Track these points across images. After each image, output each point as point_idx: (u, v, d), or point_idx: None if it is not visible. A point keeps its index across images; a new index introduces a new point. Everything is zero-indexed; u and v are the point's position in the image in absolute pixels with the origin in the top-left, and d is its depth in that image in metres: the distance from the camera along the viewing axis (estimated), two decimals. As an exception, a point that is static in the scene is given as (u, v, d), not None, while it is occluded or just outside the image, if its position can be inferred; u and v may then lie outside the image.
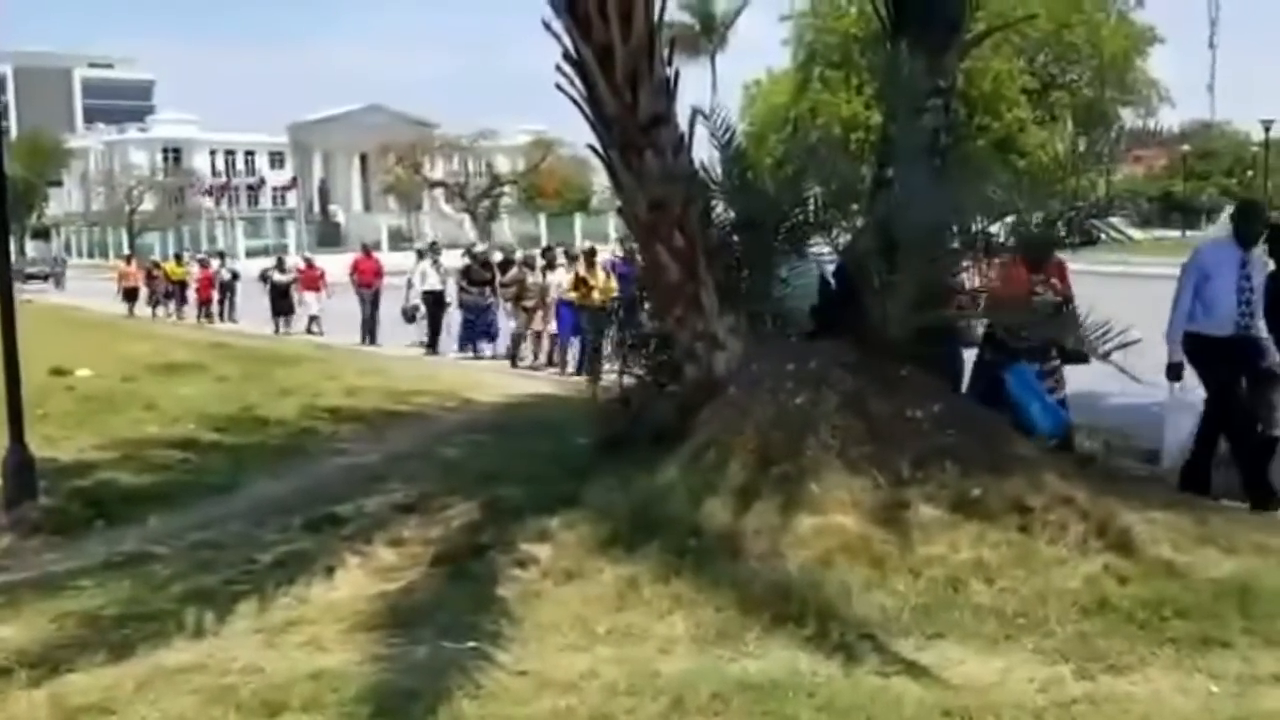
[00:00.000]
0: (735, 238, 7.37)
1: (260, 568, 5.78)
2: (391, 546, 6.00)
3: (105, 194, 76.05)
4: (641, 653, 4.50)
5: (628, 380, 7.59)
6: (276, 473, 8.62)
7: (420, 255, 19.76)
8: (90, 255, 77.61)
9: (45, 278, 51.68)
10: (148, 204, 74.24)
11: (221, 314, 27.66)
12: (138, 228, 72.80)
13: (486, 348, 17.30)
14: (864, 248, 6.88)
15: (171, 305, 30.21)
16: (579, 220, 63.02)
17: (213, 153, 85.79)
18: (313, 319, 22.75)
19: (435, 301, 18.45)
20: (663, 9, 6.68)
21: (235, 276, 28.31)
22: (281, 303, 23.50)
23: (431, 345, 18.24)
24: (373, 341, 19.88)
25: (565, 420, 9.20)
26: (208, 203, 78.74)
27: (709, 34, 61.28)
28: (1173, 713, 3.96)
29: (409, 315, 19.09)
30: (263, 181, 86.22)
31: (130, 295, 31.35)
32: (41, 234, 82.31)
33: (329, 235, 72.75)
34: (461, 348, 17.65)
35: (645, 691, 4.15)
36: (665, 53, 6.79)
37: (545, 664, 4.42)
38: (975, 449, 5.91)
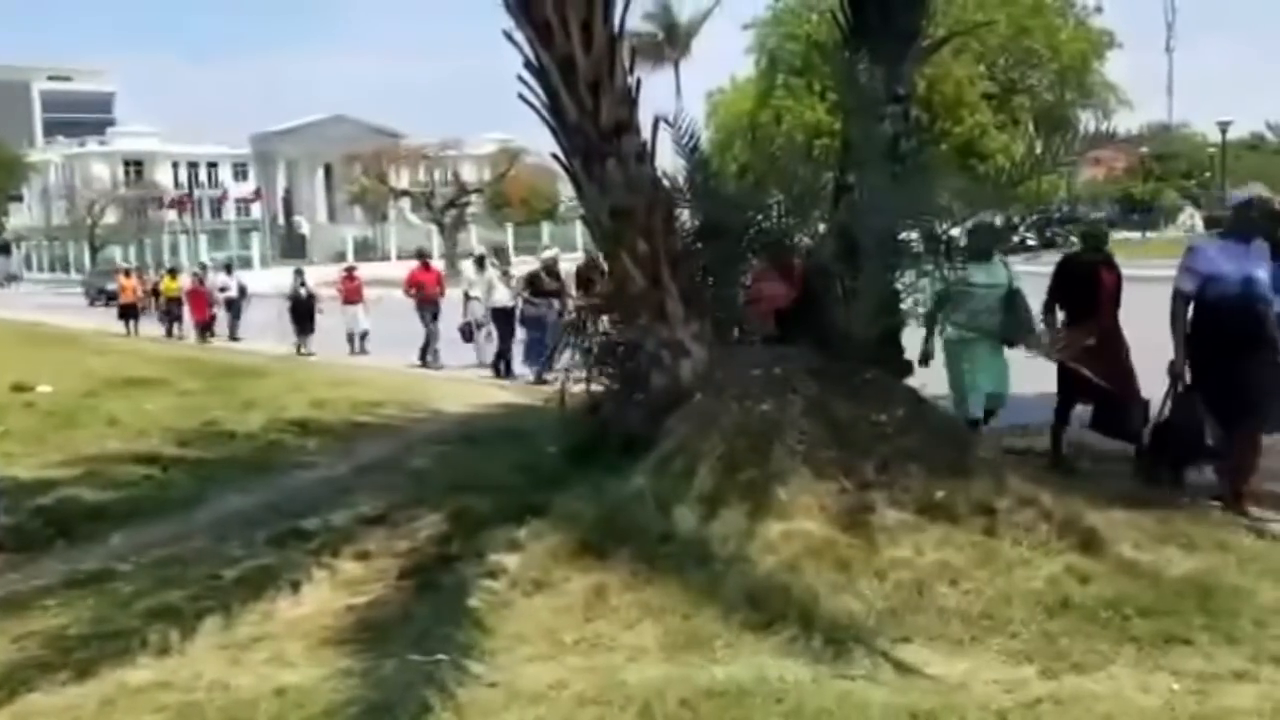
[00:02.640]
0: (700, 245, 7.41)
1: (225, 584, 5.72)
2: (358, 560, 5.97)
3: (66, 208, 75.24)
4: (610, 662, 4.50)
5: (595, 388, 7.60)
6: (241, 487, 8.54)
7: (480, 264, 16.96)
8: (51, 269, 76.79)
9: None
10: (109, 217, 73.50)
11: (231, 332, 24.83)
12: (99, 241, 72.03)
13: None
14: (826, 253, 6.94)
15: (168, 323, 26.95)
16: (546, 229, 62.98)
17: (175, 165, 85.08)
18: (361, 336, 20.15)
19: (506, 318, 15.67)
20: (624, 18, 6.72)
21: (243, 293, 25.27)
22: (302, 320, 20.94)
23: (497, 367, 15.70)
24: (435, 363, 17.34)
25: (533, 429, 9.17)
26: (170, 215, 78.02)
27: (672, 43, 61.46)
28: (1136, 711, 4.00)
29: (467, 333, 16.70)
30: (226, 193, 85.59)
31: (128, 313, 28.05)
32: (1, 248, 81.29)
33: (294, 246, 72.31)
34: (495, 369, 15.64)
35: (614, 701, 4.14)
36: (627, 61, 6.82)
37: (514, 675, 4.41)
38: (939, 452, 5.97)
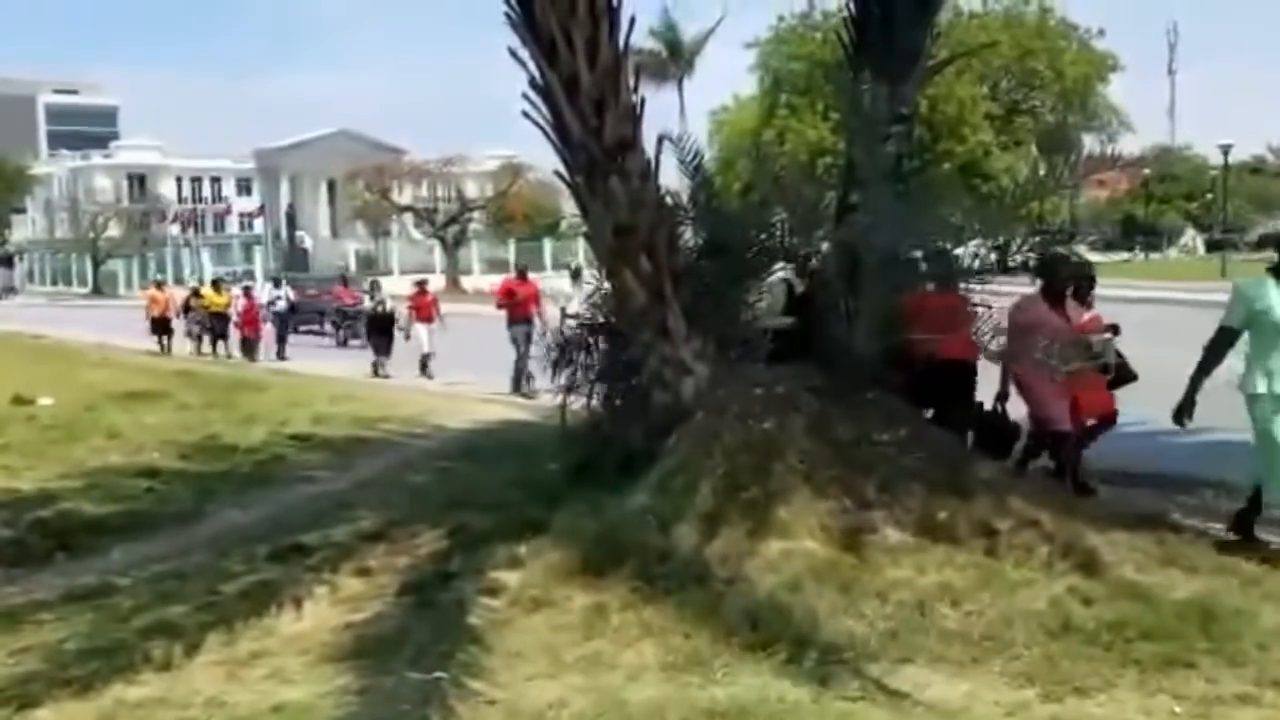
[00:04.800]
0: (702, 263, 7.41)
1: (224, 599, 5.71)
2: (358, 576, 5.97)
3: (69, 220, 75.33)
4: (610, 681, 4.48)
5: (596, 405, 7.60)
6: (242, 502, 8.54)
7: (577, 277, 15.55)
8: (53, 282, 76.87)
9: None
10: (112, 230, 73.57)
11: (280, 350, 22.84)
12: (102, 254, 72.11)
13: None
14: (829, 272, 6.95)
15: (207, 340, 24.65)
16: (548, 245, 63.10)
17: (178, 179, 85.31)
18: (425, 358, 17.97)
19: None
20: (629, 36, 6.75)
21: (294, 308, 23.60)
22: (381, 338, 18.59)
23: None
24: (530, 390, 14.62)
25: (534, 446, 9.17)
26: (173, 229, 78.19)
27: (676, 61, 61.62)
28: (1138, 734, 3.99)
29: None
30: (229, 207, 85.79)
31: (160, 327, 25.39)
32: (4, 260, 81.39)
33: (296, 261, 72.38)
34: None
35: (614, 720, 4.12)
36: (631, 79, 6.84)
37: (513, 693, 4.39)
38: (940, 472, 5.95)
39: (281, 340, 23.17)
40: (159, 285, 28.86)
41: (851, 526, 5.56)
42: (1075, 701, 4.21)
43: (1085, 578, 5.25)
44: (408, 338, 18.54)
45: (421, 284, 19.29)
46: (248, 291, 24.40)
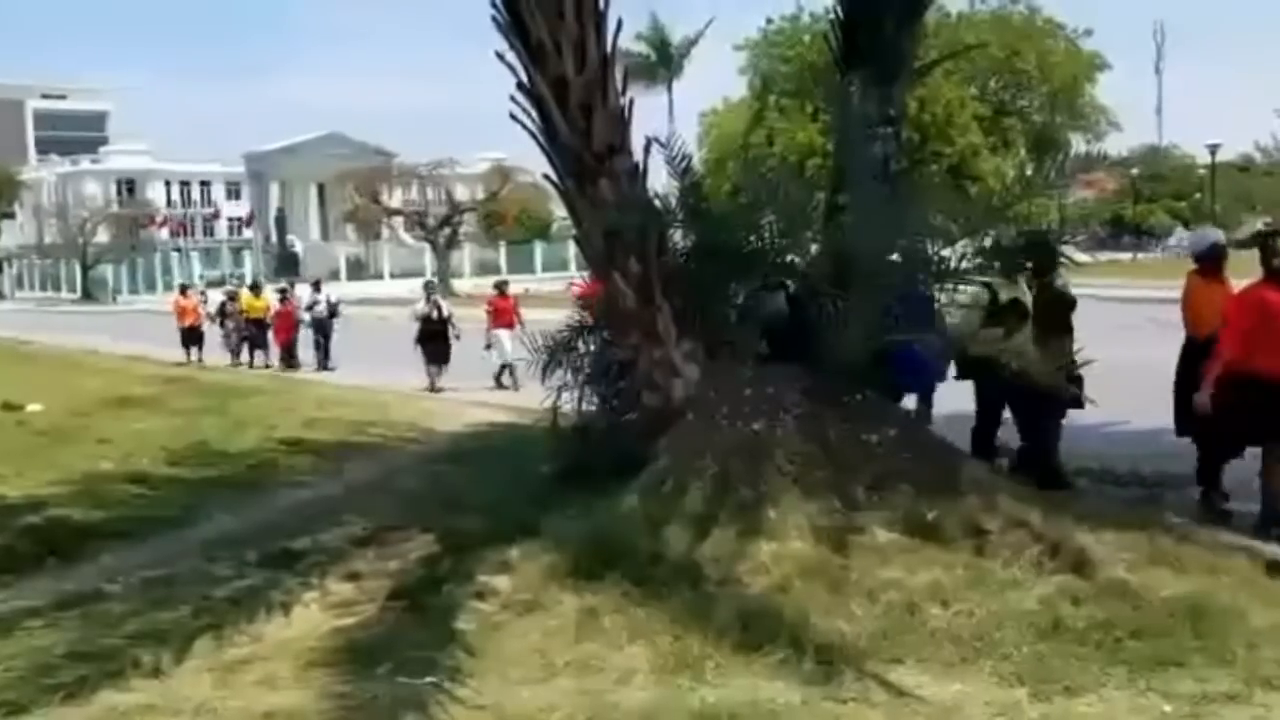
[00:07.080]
0: (692, 265, 7.41)
1: (214, 604, 5.70)
2: (348, 581, 5.95)
3: (58, 226, 75.03)
4: (601, 684, 4.48)
5: (587, 408, 7.59)
6: (232, 507, 8.51)
7: None
8: (43, 288, 76.61)
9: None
10: (102, 235, 73.32)
11: (322, 359, 20.70)
12: (91, 260, 71.88)
13: None
14: (818, 273, 6.95)
15: (246, 350, 22.44)
16: (539, 248, 63.08)
17: (168, 183, 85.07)
18: (506, 369, 15.89)
19: None
20: (616, 39, 6.75)
21: (334, 313, 21.07)
22: (437, 347, 16.79)
23: None
24: None
25: (525, 449, 9.15)
26: (163, 234, 78.00)
27: (665, 63, 61.66)
28: (1128, 732, 3.99)
29: None
30: (219, 212, 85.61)
31: (191, 337, 23.13)
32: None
33: (286, 265, 72.26)
34: None
35: (605, 723, 4.12)
36: (620, 82, 6.85)
37: (504, 697, 4.39)
38: (930, 472, 5.97)
39: (320, 349, 20.92)
40: (184, 290, 25.45)
41: (841, 527, 5.57)
42: (1065, 701, 4.22)
43: (1075, 577, 5.26)
44: (488, 346, 16.57)
45: (501, 286, 17.80)
46: (284, 295, 22.12)
